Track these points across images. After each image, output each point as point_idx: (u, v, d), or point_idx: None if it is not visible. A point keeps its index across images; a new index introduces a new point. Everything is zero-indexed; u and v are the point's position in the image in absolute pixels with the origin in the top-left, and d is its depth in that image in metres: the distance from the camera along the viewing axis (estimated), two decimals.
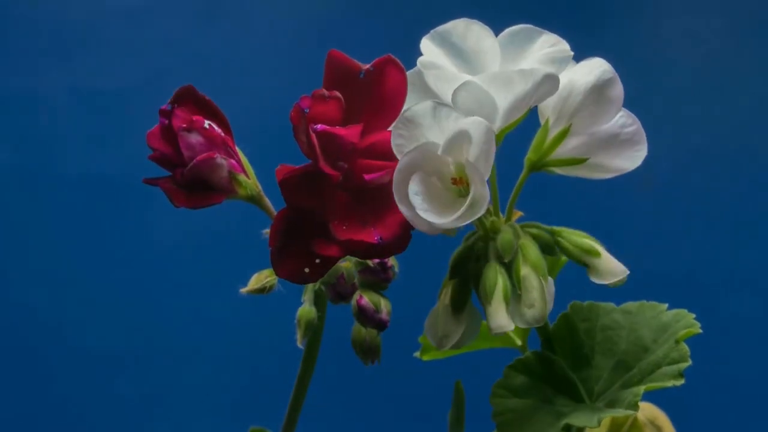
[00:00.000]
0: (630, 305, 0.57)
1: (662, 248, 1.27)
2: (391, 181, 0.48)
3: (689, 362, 0.51)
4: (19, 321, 1.27)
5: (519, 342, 0.65)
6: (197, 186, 0.52)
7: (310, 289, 0.57)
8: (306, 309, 0.56)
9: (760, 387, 1.23)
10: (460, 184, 0.47)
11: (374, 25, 1.31)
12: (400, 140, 0.47)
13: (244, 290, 0.56)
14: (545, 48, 0.50)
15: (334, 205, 0.49)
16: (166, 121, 0.53)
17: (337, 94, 0.49)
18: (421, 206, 0.46)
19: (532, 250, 0.50)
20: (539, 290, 0.49)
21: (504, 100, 0.47)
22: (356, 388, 1.21)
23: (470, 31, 0.50)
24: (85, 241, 1.28)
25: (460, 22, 0.51)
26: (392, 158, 0.48)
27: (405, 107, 0.49)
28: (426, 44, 0.51)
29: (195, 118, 0.53)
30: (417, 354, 0.66)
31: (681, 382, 0.51)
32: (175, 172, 0.53)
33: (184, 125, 0.52)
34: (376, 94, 0.50)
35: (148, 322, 1.27)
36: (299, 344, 0.56)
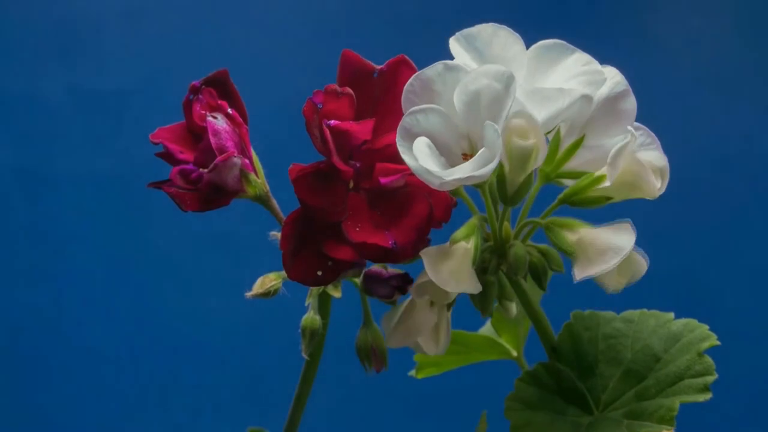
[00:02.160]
0: (630, 313, 0.56)
1: (662, 248, 1.27)
2: (407, 185, 0.48)
3: (715, 375, 0.50)
4: (19, 320, 1.27)
5: (515, 353, 0.64)
6: (211, 189, 0.51)
7: (314, 293, 0.56)
8: (310, 318, 0.55)
9: (761, 388, 1.23)
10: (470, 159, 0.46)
11: (376, 25, 1.31)
12: (412, 96, 0.46)
13: (249, 294, 0.54)
14: (578, 67, 0.49)
15: (347, 204, 0.49)
16: (191, 96, 0.52)
17: (349, 90, 0.49)
18: (426, 158, 0.45)
19: (571, 220, 0.49)
20: (601, 241, 0.48)
21: (538, 114, 0.47)
22: (358, 391, 1.21)
23: (497, 37, 0.49)
24: (86, 240, 1.28)
25: (487, 27, 0.49)
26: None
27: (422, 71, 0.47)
28: (453, 46, 0.49)
29: (220, 102, 0.52)
30: (411, 373, 0.65)
31: (709, 395, 0.50)
32: (185, 171, 0.51)
33: (210, 110, 0.52)
34: (389, 95, 0.50)
35: (149, 321, 1.27)
36: (304, 354, 0.55)
